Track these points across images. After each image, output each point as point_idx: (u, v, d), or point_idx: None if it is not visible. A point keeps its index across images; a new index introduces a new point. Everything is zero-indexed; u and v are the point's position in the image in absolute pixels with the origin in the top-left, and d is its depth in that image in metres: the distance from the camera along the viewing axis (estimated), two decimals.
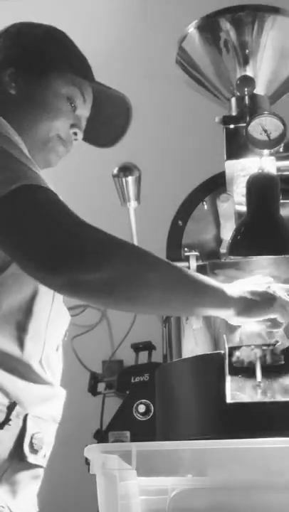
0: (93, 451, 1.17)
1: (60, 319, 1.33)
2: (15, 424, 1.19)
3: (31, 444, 1.21)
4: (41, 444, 1.24)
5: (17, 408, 1.20)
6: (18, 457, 1.20)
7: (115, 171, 1.57)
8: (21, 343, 1.23)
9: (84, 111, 1.45)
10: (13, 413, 1.19)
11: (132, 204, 1.60)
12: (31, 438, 1.21)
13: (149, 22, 2.74)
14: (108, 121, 1.52)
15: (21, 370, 1.23)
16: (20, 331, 1.23)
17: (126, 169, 1.56)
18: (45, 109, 1.39)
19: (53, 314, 1.29)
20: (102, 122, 1.52)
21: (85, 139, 1.51)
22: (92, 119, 1.49)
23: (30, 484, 1.25)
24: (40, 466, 1.27)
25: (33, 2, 2.81)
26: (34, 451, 1.22)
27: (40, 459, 1.25)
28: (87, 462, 1.20)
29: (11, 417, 1.18)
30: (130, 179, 1.56)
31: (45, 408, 1.27)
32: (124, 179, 1.56)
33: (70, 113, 1.42)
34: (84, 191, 2.65)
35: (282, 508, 1.22)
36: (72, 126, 1.43)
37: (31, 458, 1.21)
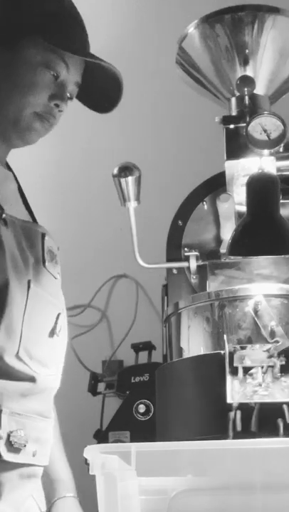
0: (92, 452, 1.17)
1: (42, 305, 1.27)
2: None
3: (9, 442, 1.17)
4: (23, 442, 1.19)
5: None
6: None
7: (115, 171, 1.57)
8: None
9: (70, 76, 1.33)
10: None
11: (132, 204, 1.59)
12: (8, 436, 1.17)
13: (149, 22, 2.74)
14: (102, 86, 1.40)
15: None
16: None
17: (126, 169, 1.56)
18: (16, 83, 1.28)
19: (32, 302, 1.23)
20: (97, 87, 1.40)
21: (82, 102, 1.42)
22: (87, 82, 1.38)
23: (19, 486, 1.21)
24: (33, 465, 1.23)
25: None
26: (14, 449, 1.17)
27: (29, 457, 1.21)
28: (86, 462, 1.20)
29: None
30: (130, 179, 1.56)
31: (26, 404, 1.22)
32: (124, 179, 1.56)
33: (49, 83, 1.30)
34: (84, 191, 2.65)
35: (282, 508, 1.22)
36: (52, 97, 1.30)
37: (9, 456, 1.17)
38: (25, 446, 1.20)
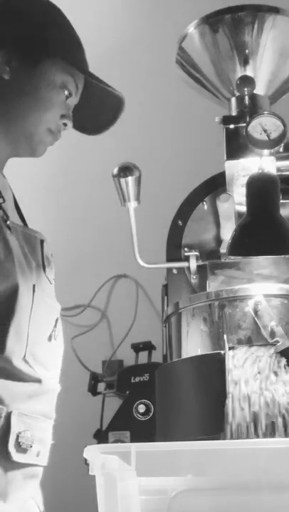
0: (92, 452, 1.17)
1: (44, 309, 1.30)
2: None
3: (18, 443, 1.19)
4: (30, 443, 1.21)
5: None
6: (2, 457, 1.18)
7: (115, 171, 1.57)
8: (2, 341, 1.20)
9: (75, 99, 1.41)
10: None
11: (132, 204, 1.60)
12: (17, 436, 1.19)
13: (149, 22, 2.74)
14: (97, 110, 1.47)
15: (2, 368, 1.20)
16: (2, 327, 1.20)
17: (126, 169, 1.56)
18: (37, 100, 1.34)
19: (36, 306, 1.26)
20: (91, 110, 1.47)
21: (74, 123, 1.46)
22: (80, 106, 1.44)
23: (23, 486, 1.23)
24: (35, 465, 1.25)
25: None
26: (22, 449, 1.20)
27: (33, 457, 1.23)
28: (86, 463, 1.20)
29: None
30: (130, 179, 1.56)
31: (33, 405, 1.24)
32: (124, 179, 1.56)
33: (62, 103, 1.37)
34: (84, 191, 2.65)
35: (282, 508, 1.22)
36: (63, 116, 1.38)
37: (17, 457, 1.19)
38: (31, 446, 1.22)
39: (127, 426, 1.67)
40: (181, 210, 1.74)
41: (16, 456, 1.19)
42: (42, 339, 1.29)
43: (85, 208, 2.64)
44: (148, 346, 2.10)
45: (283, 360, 1.30)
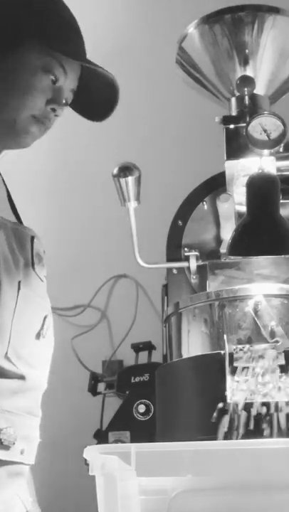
0: (92, 452, 1.17)
1: (31, 307, 1.27)
2: None
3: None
4: (13, 440, 1.20)
5: None
6: None
7: (115, 171, 1.57)
8: None
9: (67, 82, 1.33)
10: None
11: (132, 204, 1.60)
12: None
13: (149, 22, 2.74)
14: (93, 96, 1.39)
15: None
16: None
17: (126, 169, 1.56)
18: (15, 85, 1.27)
19: (22, 303, 1.24)
20: (88, 95, 1.39)
21: (76, 110, 1.41)
22: (81, 89, 1.37)
23: (8, 483, 1.21)
24: (20, 463, 1.23)
25: None
26: (4, 446, 1.18)
27: (17, 455, 1.21)
28: (86, 463, 1.20)
29: None
30: (130, 179, 1.56)
31: (16, 401, 1.23)
32: (124, 179, 1.56)
33: (46, 87, 1.29)
34: (84, 191, 2.65)
35: (282, 508, 1.22)
36: (50, 101, 1.30)
37: (0, 454, 1.18)
38: (14, 443, 1.20)
39: (127, 426, 1.67)
40: (181, 210, 1.74)
41: None
42: (28, 337, 1.27)
43: (85, 208, 2.64)
44: (148, 346, 2.09)
45: (283, 360, 1.30)
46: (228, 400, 1.25)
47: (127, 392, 1.72)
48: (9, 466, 1.21)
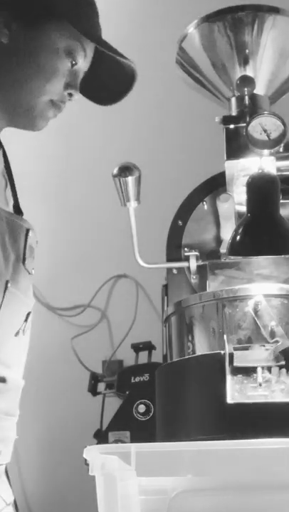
0: (92, 452, 1.17)
1: (16, 306, 1.23)
2: None
3: None
4: None
5: None
6: None
7: (115, 171, 1.57)
8: None
9: (83, 65, 1.29)
10: None
11: (132, 204, 1.59)
12: None
13: (149, 22, 2.74)
14: (108, 80, 1.35)
15: None
16: None
17: (126, 169, 1.55)
18: (39, 67, 1.22)
19: (7, 303, 1.19)
20: (102, 79, 1.35)
21: (82, 93, 1.36)
22: (91, 74, 1.33)
23: None
24: None
25: None
26: None
27: None
28: (86, 463, 1.20)
29: None
30: (130, 179, 1.56)
31: None
32: (124, 179, 1.56)
33: (66, 71, 1.25)
34: (84, 191, 2.65)
35: (282, 508, 1.22)
36: (68, 85, 1.27)
37: None
38: None
39: (127, 426, 1.66)
40: (181, 210, 1.74)
41: None
42: (8, 336, 1.22)
43: (85, 208, 2.64)
44: (148, 346, 2.09)
45: (283, 360, 1.30)
46: (228, 400, 1.25)
47: (127, 392, 1.72)
48: None
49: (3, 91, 1.23)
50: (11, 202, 1.34)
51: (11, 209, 1.32)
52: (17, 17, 1.21)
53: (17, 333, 1.25)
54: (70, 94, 1.29)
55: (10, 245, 1.22)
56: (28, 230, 1.28)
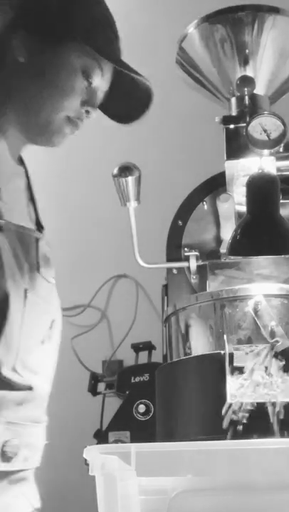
0: (92, 452, 1.17)
1: (38, 313, 1.24)
2: None
3: (2, 452, 1.16)
4: (16, 450, 1.18)
5: None
6: None
7: (115, 171, 1.57)
8: None
9: (101, 83, 1.32)
10: None
11: (132, 204, 1.59)
12: (3, 446, 1.17)
13: (149, 22, 2.74)
14: (126, 99, 1.38)
15: None
16: None
17: (126, 169, 1.55)
18: (55, 85, 1.25)
19: (29, 311, 1.21)
20: (120, 98, 1.38)
21: (103, 111, 1.39)
22: (110, 92, 1.35)
23: (8, 489, 1.21)
24: (23, 470, 1.22)
25: None
26: (6, 458, 1.17)
27: (19, 463, 1.20)
28: (86, 463, 1.20)
29: None
30: (130, 179, 1.56)
31: (22, 412, 1.21)
32: (124, 179, 1.56)
33: (83, 88, 1.28)
34: (84, 191, 2.65)
35: (282, 508, 1.22)
36: (85, 103, 1.30)
37: (2, 466, 1.17)
38: (16, 454, 1.19)
39: (127, 426, 1.67)
40: (181, 210, 1.74)
41: (0, 466, 1.17)
42: (34, 344, 1.24)
43: (85, 208, 2.64)
44: (148, 346, 2.09)
45: (283, 360, 1.30)
46: (228, 400, 1.25)
47: (127, 392, 1.72)
48: (12, 476, 1.21)
49: (20, 108, 1.26)
50: (34, 218, 1.37)
51: (33, 225, 1.35)
52: (34, 37, 1.24)
53: (43, 341, 1.26)
54: (88, 112, 1.32)
55: (22, 255, 1.24)
56: (37, 240, 1.29)
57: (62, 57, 1.26)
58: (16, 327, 1.18)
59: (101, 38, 1.28)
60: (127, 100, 1.38)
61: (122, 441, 1.64)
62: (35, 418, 1.26)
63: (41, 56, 1.25)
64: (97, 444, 1.67)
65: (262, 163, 1.48)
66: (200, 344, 1.44)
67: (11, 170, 1.31)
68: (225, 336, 1.35)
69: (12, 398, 1.19)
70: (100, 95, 1.35)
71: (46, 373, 1.30)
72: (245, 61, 1.59)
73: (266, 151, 1.47)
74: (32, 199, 1.39)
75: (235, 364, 1.29)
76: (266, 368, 1.29)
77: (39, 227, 1.38)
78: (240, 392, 1.27)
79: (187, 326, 1.48)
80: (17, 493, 1.24)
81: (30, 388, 1.22)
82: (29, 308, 1.21)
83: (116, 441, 1.64)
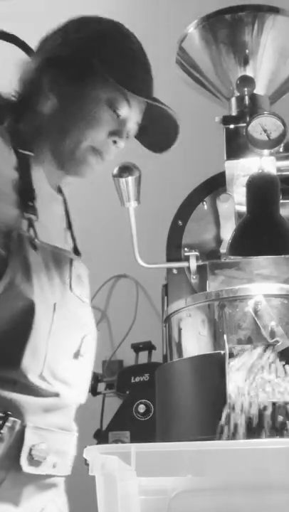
0: (92, 453, 1.17)
1: (68, 328, 1.29)
2: (7, 436, 1.17)
3: (30, 456, 1.19)
4: (44, 455, 1.21)
5: (11, 419, 1.17)
6: (14, 468, 1.18)
7: (115, 171, 1.57)
8: (18, 358, 1.19)
9: (131, 114, 1.38)
10: (7, 424, 1.17)
11: (132, 204, 1.60)
12: (30, 449, 1.19)
13: (149, 22, 2.74)
14: (155, 130, 1.46)
15: (20, 383, 1.20)
16: (18, 343, 1.20)
17: (126, 169, 1.56)
18: (81, 117, 1.33)
19: (58, 324, 1.25)
20: (151, 129, 1.46)
21: (141, 142, 1.48)
22: (143, 123, 1.43)
23: (37, 494, 1.23)
24: (52, 476, 1.24)
25: None
26: (34, 462, 1.19)
27: (48, 468, 1.23)
28: (86, 463, 1.20)
29: (4, 428, 1.16)
30: (130, 179, 1.56)
31: (49, 418, 1.24)
32: (124, 179, 1.56)
33: (110, 119, 1.35)
34: (84, 191, 2.65)
35: (282, 508, 1.22)
36: (112, 133, 1.36)
37: (29, 469, 1.19)
38: (45, 458, 1.22)
39: (127, 426, 1.67)
40: (181, 210, 1.74)
41: (28, 469, 1.19)
42: (65, 357, 1.28)
43: (85, 208, 2.63)
44: (148, 346, 2.09)
45: (283, 360, 1.30)
46: (228, 400, 1.25)
47: (127, 392, 1.72)
48: (40, 480, 1.23)
49: (51, 139, 1.35)
50: (71, 244, 1.46)
51: (69, 248, 1.43)
52: (65, 73, 1.33)
53: (76, 355, 1.30)
54: (115, 142, 1.37)
55: (54, 270, 1.29)
56: (72, 260, 1.35)
57: (87, 90, 1.34)
58: (42, 337, 1.22)
59: (126, 72, 1.36)
60: (157, 132, 1.46)
61: (122, 441, 1.64)
62: (63, 425, 1.29)
63: (69, 90, 1.34)
64: (97, 444, 1.67)
65: (262, 163, 1.48)
66: (200, 344, 1.44)
67: (49, 195, 1.37)
68: (225, 336, 1.35)
69: (39, 404, 1.23)
70: (132, 126, 1.41)
71: (78, 385, 1.33)
72: (245, 61, 1.59)
73: (266, 151, 1.47)
74: (70, 227, 1.47)
75: (235, 364, 1.29)
76: (266, 368, 1.29)
77: (76, 252, 1.47)
78: (240, 391, 1.27)
79: (187, 326, 1.48)
80: (46, 499, 1.26)
81: (57, 395, 1.25)
82: (58, 321, 1.25)
83: (116, 441, 1.65)
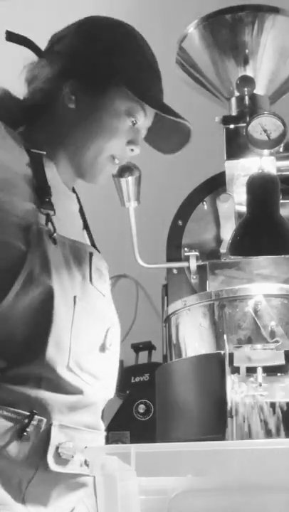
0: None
1: (89, 321, 1.28)
2: (34, 434, 1.17)
3: (57, 454, 1.18)
4: (71, 453, 1.20)
5: (37, 418, 1.17)
6: (42, 467, 1.17)
7: (115, 171, 1.57)
8: (42, 350, 1.19)
9: (145, 122, 1.42)
10: (33, 423, 1.16)
11: (132, 204, 1.60)
12: (57, 448, 1.19)
13: (149, 22, 2.74)
14: (165, 135, 1.49)
15: (45, 378, 1.19)
16: (40, 335, 1.20)
17: (126, 169, 1.56)
18: (100, 128, 1.36)
19: (79, 317, 1.25)
20: (160, 133, 1.49)
21: (149, 143, 1.50)
22: (152, 127, 1.45)
23: (67, 493, 1.23)
24: (81, 475, 1.23)
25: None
26: (62, 460, 1.19)
27: (76, 467, 1.22)
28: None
29: (30, 427, 1.16)
30: (130, 179, 1.57)
31: (75, 417, 1.24)
32: (124, 179, 1.56)
33: (128, 129, 1.38)
34: (84, 191, 2.65)
35: (282, 508, 1.22)
36: (130, 142, 1.39)
37: (57, 468, 1.18)
38: (73, 457, 1.21)
39: (127, 426, 1.67)
40: (181, 210, 1.74)
41: (55, 467, 1.18)
42: (91, 350, 1.28)
43: (85, 208, 2.63)
44: (148, 346, 2.09)
45: (283, 360, 1.30)
46: (228, 401, 1.25)
47: (127, 392, 1.72)
48: (70, 479, 1.22)
49: (70, 150, 1.36)
50: (88, 242, 1.46)
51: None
52: (82, 84, 1.35)
53: (102, 349, 1.31)
54: (132, 150, 1.41)
55: (75, 266, 1.30)
56: (91, 254, 1.36)
57: (106, 101, 1.36)
58: (64, 329, 1.22)
59: (143, 83, 1.38)
60: (165, 136, 1.48)
61: (122, 442, 1.64)
62: (90, 424, 1.28)
63: (88, 102, 1.35)
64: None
65: (262, 163, 1.48)
66: (200, 344, 1.44)
67: (64, 192, 1.39)
68: (225, 336, 1.35)
69: (64, 402, 1.22)
70: (144, 132, 1.44)
71: (108, 379, 1.33)
72: (245, 61, 1.59)
73: (266, 151, 1.47)
74: (86, 227, 1.49)
75: (235, 364, 1.29)
76: (266, 368, 1.29)
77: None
78: (240, 392, 1.27)
79: (187, 326, 1.48)
80: (76, 499, 1.25)
81: (81, 392, 1.24)
82: (80, 314, 1.25)
83: (116, 442, 1.65)
